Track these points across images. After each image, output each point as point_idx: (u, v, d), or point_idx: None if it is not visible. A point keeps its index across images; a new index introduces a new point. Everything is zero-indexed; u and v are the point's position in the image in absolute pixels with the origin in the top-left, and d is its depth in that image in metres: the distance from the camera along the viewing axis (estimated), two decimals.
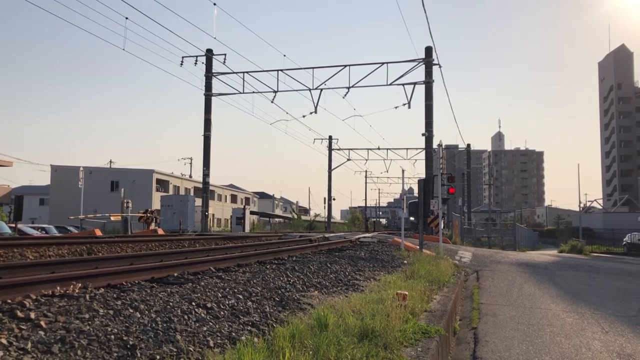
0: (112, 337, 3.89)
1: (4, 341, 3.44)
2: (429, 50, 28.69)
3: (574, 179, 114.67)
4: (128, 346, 3.76)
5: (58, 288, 5.31)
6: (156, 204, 47.70)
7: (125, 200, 29.04)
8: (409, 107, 29.35)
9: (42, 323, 3.95)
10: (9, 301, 4.57)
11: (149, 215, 28.82)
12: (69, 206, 49.43)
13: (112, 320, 4.33)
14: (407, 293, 6.81)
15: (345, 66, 29.28)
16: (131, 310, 4.70)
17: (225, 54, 31.10)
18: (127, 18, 40.11)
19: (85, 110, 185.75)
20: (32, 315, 4.12)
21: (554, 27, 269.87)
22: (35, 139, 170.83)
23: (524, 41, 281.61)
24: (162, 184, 64.17)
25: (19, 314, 4.13)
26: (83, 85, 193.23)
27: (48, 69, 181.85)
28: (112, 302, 4.92)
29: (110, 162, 70.32)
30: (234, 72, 31.22)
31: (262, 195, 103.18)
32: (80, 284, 5.55)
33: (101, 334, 3.90)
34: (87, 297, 5.04)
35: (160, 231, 20.44)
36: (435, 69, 28.79)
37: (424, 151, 30.36)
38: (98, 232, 19.08)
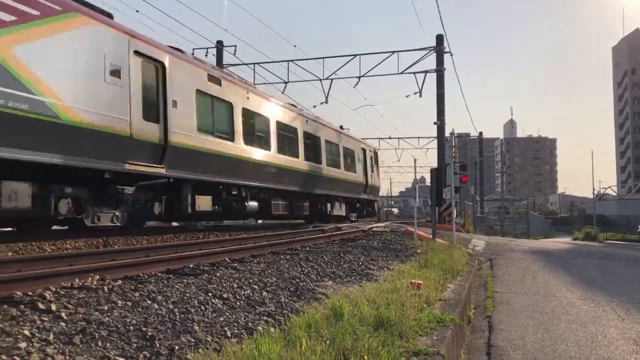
0: (131, 328, 3.95)
1: (27, 332, 3.52)
2: (440, 39, 28.44)
3: (588, 166, 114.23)
4: (147, 337, 3.82)
5: (77, 280, 5.39)
6: None
7: None
8: (420, 96, 29.15)
9: (63, 314, 4.03)
10: (30, 293, 4.66)
11: None
12: None
13: (130, 312, 4.39)
14: (421, 282, 6.83)
15: (356, 55, 29.12)
16: (149, 302, 4.77)
17: (235, 46, 31.18)
18: (137, 11, 40.02)
19: None
20: (53, 307, 4.20)
21: (568, 13, 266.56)
22: None
23: (537, 28, 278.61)
24: None
25: (40, 305, 4.21)
26: None
27: None
28: (130, 294, 4.99)
29: None
30: (244, 64, 31.18)
31: None
32: (98, 276, 5.63)
33: (120, 325, 3.96)
34: (105, 289, 5.12)
35: (175, 222, 20.56)
36: (446, 57, 28.51)
37: (436, 140, 30.20)
38: None
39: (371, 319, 4.80)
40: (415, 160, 27.04)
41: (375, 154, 30.77)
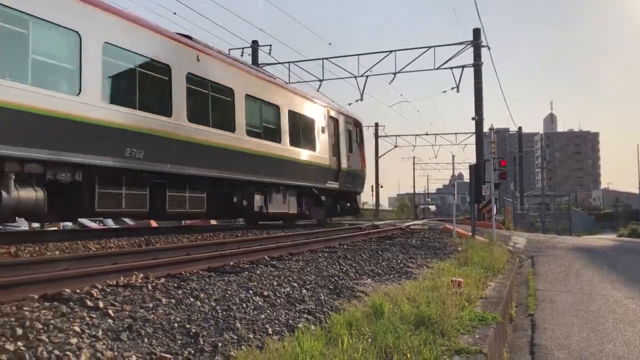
0: (176, 325, 4.03)
1: (77, 329, 3.63)
2: (477, 32, 28.07)
3: (633, 160, 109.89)
4: (191, 334, 3.89)
5: (122, 278, 5.53)
6: None
7: None
8: (458, 91, 28.90)
9: (110, 312, 4.14)
10: (78, 291, 4.80)
11: None
12: None
13: (174, 309, 4.48)
14: (462, 280, 6.76)
15: (391, 52, 29.01)
16: (192, 299, 4.86)
17: (270, 45, 31.26)
18: (175, 13, 40.66)
19: None
20: (101, 304, 4.32)
21: (607, 3, 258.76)
22: None
23: (576, 20, 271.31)
24: None
25: (89, 303, 4.34)
26: None
27: None
28: (173, 292, 5.10)
29: None
30: (279, 63, 31.43)
31: None
32: (142, 274, 5.76)
33: (165, 322, 4.05)
34: (149, 286, 5.24)
35: (213, 221, 20.87)
36: (484, 51, 28.20)
37: (474, 135, 29.82)
38: (154, 224, 19.65)
39: (412, 317, 4.77)
40: (453, 156, 26.45)
41: (357, 126, 22.74)
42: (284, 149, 16.42)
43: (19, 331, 3.45)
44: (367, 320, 4.56)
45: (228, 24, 26.27)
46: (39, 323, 3.66)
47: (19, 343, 3.25)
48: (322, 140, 18.82)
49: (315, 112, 18.79)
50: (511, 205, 40.48)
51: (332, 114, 20.09)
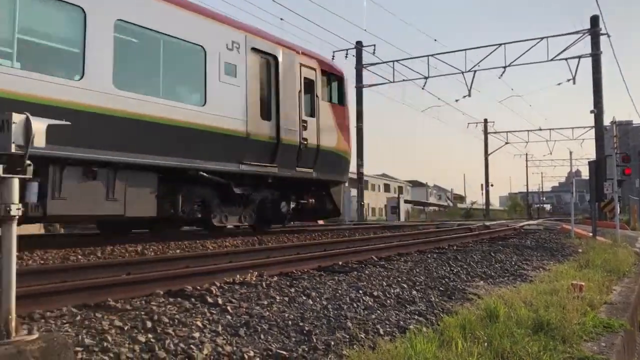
0: (289, 322, 4.15)
1: (199, 324, 3.85)
2: (595, 20, 26.30)
3: None
4: (304, 332, 3.98)
5: (237, 276, 5.78)
6: None
7: None
8: (574, 83, 27.20)
9: (229, 308, 4.35)
10: (198, 288, 5.09)
11: None
12: None
13: (287, 307, 4.62)
14: (583, 284, 6.35)
15: (500, 45, 27.92)
16: (304, 298, 4.98)
17: (374, 45, 31.38)
18: (281, 19, 41.92)
19: None
20: (220, 301, 4.55)
21: None
22: None
23: None
24: None
25: (209, 299, 4.59)
26: None
27: None
28: (286, 290, 5.26)
29: None
30: (383, 62, 31.36)
31: (415, 184, 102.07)
32: (256, 273, 5.99)
33: (279, 320, 4.18)
34: (263, 284, 5.45)
35: (321, 221, 21.28)
36: (603, 39, 26.36)
37: (593, 129, 27.96)
38: None
39: (529, 322, 4.56)
40: (570, 152, 24.97)
41: (329, 76, 14.25)
42: (97, 93, 8.86)
43: (149, 324, 3.72)
44: (481, 323, 4.42)
45: (333, 27, 26.71)
46: (165, 317, 3.93)
47: (149, 335, 3.51)
48: (226, 88, 11.09)
49: (206, 34, 10.79)
50: (637, 204, 37.47)
51: (260, 45, 12.03)
